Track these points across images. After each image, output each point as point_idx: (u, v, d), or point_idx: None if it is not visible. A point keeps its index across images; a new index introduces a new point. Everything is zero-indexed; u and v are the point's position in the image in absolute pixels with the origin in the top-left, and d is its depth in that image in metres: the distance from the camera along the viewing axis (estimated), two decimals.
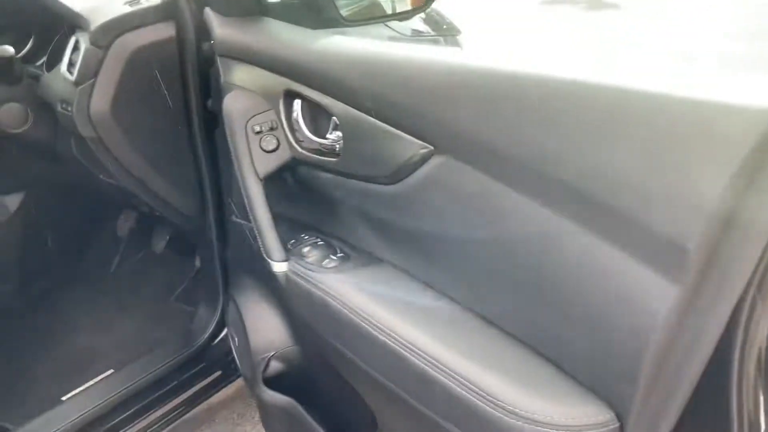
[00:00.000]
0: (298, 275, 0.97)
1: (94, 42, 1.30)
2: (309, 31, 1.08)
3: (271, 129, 1.02)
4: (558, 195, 0.64)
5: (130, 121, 1.36)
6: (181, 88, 1.34)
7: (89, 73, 1.30)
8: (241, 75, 1.08)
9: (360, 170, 0.91)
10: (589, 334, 0.64)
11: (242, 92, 1.07)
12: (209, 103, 1.32)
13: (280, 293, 1.20)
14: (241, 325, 1.27)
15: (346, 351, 0.91)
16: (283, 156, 1.02)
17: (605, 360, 0.64)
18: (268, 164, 1.01)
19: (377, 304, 0.86)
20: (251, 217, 1.01)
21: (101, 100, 1.32)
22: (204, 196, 1.44)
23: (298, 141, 1.02)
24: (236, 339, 1.32)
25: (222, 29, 1.11)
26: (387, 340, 0.81)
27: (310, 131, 0.99)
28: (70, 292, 1.96)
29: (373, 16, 1.23)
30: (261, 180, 1.00)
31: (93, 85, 1.31)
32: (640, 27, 5.89)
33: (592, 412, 0.65)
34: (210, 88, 1.29)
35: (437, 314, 0.82)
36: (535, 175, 0.66)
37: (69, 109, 1.33)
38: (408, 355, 0.78)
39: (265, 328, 1.26)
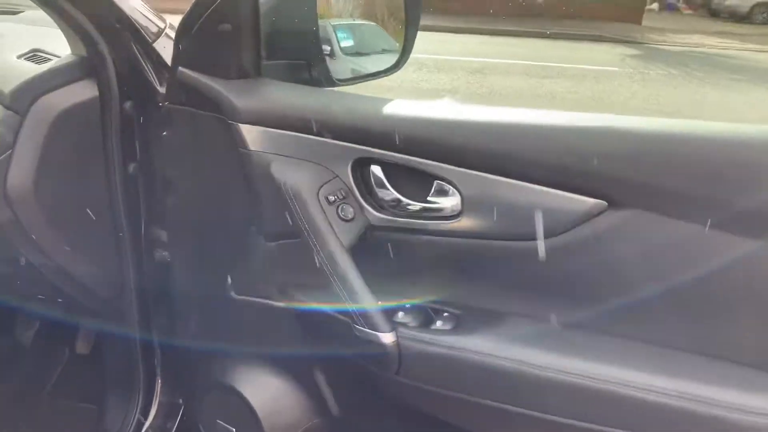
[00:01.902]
0: (419, 341, 0.95)
1: (10, 106, 1.09)
2: (351, 94, 1.04)
3: (344, 198, 0.97)
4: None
5: (53, 198, 1.17)
6: (103, 155, 1.20)
7: (4, 144, 1.10)
8: (278, 144, 1.00)
9: (493, 229, 0.92)
10: None
11: (295, 162, 1.00)
12: (131, 167, 1.20)
13: (300, 368, 1.14)
14: (247, 414, 1.15)
15: (499, 405, 0.92)
16: (361, 224, 0.99)
17: None
18: (350, 234, 0.97)
19: (548, 350, 0.89)
20: (342, 291, 0.95)
21: (21, 174, 1.12)
22: (124, 275, 1.28)
23: (378, 207, 0.99)
24: (234, 430, 1.19)
25: (241, 97, 1.01)
26: (584, 382, 0.85)
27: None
28: None
29: (360, 75, 1.21)
30: (347, 251, 0.96)
31: (10, 157, 1.10)
32: None
33: None
34: (130, 151, 1.18)
35: (622, 349, 0.89)
36: (732, 210, 0.80)
37: None
38: (616, 389, 0.83)
39: (282, 410, 1.17)
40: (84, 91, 1.16)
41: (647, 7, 16.54)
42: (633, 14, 14.72)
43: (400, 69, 1.25)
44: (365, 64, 1.32)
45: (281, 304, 1.10)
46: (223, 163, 1.08)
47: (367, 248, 1.00)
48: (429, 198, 0.97)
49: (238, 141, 1.02)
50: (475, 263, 0.98)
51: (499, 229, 0.93)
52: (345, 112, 1.00)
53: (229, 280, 1.14)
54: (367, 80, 1.23)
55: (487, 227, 0.93)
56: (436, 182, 0.95)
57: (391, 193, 0.98)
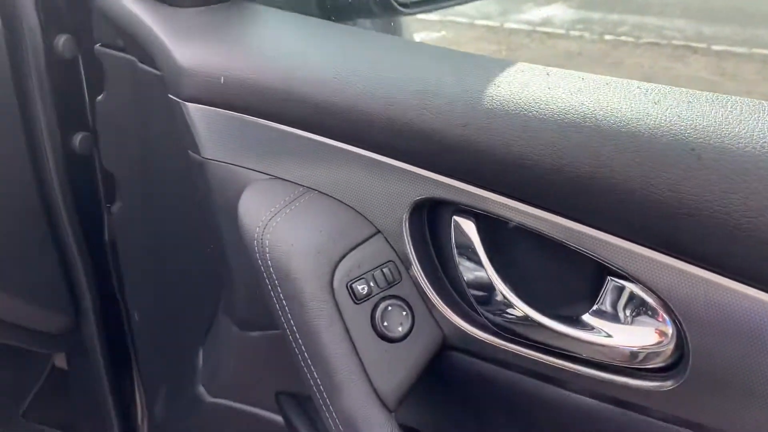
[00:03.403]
0: None
1: None
2: (429, 47, 0.51)
3: (390, 283, 0.46)
4: None
5: None
6: (21, 121, 0.77)
7: None
8: (258, 151, 0.49)
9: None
10: None
11: (291, 192, 0.48)
12: (76, 140, 0.78)
13: None
14: None
15: None
16: (423, 346, 0.47)
17: None
18: (397, 372, 0.46)
19: None
20: None
21: None
22: (78, 293, 0.90)
23: (463, 309, 0.47)
24: None
25: (190, 43, 0.50)
26: None
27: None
28: None
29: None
30: (391, 411, 0.45)
31: None
32: None
33: None
34: (75, 115, 0.77)
35: None
36: None
37: None
38: None
39: None
40: None
41: None
42: None
43: None
44: None
45: (273, 416, 0.62)
46: (174, 166, 0.59)
47: (433, 377, 0.47)
48: (593, 311, 0.43)
49: (185, 135, 0.51)
50: None
51: None
52: (409, 88, 0.45)
53: (200, 363, 0.66)
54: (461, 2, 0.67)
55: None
56: (610, 280, 0.41)
57: (494, 282, 0.44)
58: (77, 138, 0.79)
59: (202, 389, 0.66)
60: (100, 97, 0.69)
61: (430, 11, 0.66)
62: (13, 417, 1.27)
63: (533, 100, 0.41)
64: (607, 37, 4.36)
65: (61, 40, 0.73)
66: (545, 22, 4.65)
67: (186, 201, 0.61)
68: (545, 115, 0.40)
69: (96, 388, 1.01)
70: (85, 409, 1.11)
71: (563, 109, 0.40)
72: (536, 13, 4.73)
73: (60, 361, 1.30)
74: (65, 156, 0.79)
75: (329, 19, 0.63)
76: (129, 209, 0.73)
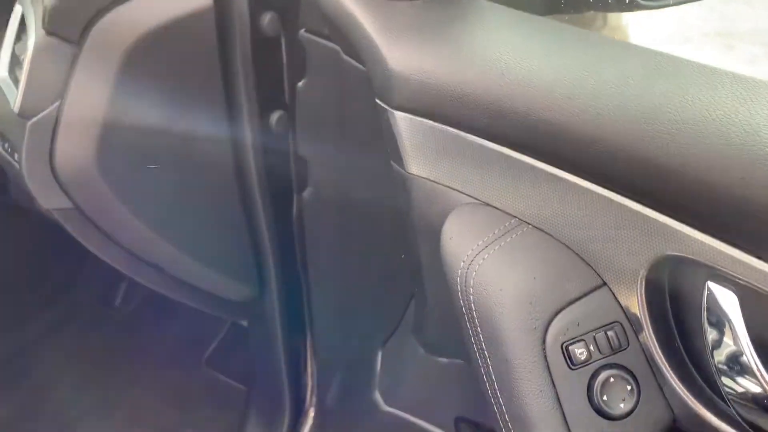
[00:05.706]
0: None
1: (52, 28, 0.69)
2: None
3: (615, 349, 0.39)
4: None
5: (130, 173, 0.80)
6: (224, 98, 0.80)
7: (49, 92, 0.71)
8: (473, 172, 0.43)
9: None
10: None
11: (505, 222, 0.42)
12: (273, 119, 0.78)
13: None
14: None
15: None
16: (648, 428, 0.40)
17: None
18: None
19: None
20: None
21: (77, 142, 0.74)
22: (263, 268, 0.93)
23: (699, 391, 0.39)
24: None
25: (404, 40, 0.46)
26: None
27: None
28: (56, 340, 1.35)
29: None
30: None
31: (58, 116, 0.72)
32: None
33: None
34: (273, 93, 0.78)
35: None
36: None
37: (15, 157, 0.77)
38: None
39: None
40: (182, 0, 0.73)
41: None
42: None
43: None
44: None
45: None
46: (373, 167, 0.56)
47: None
48: None
49: (389, 144, 0.47)
50: None
51: None
52: (666, 117, 0.36)
53: (378, 368, 0.64)
54: None
55: None
56: None
57: (755, 369, 0.35)
58: (275, 116, 0.80)
59: (378, 396, 0.64)
60: (301, 83, 0.68)
61: (677, 4, 0.55)
62: (197, 363, 1.37)
63: None
64: None
65: (267, 18, 0.73)
66: None
67: (382, 203, 0.58)
68: None
69: (271, 354, 1.05)
70: (259, 370, 1.17)
71: None
72: None
73: None
74: (262, 134, 0.81)
75: (557, 9, 0.56)
76: (320, 197, 0.72)
